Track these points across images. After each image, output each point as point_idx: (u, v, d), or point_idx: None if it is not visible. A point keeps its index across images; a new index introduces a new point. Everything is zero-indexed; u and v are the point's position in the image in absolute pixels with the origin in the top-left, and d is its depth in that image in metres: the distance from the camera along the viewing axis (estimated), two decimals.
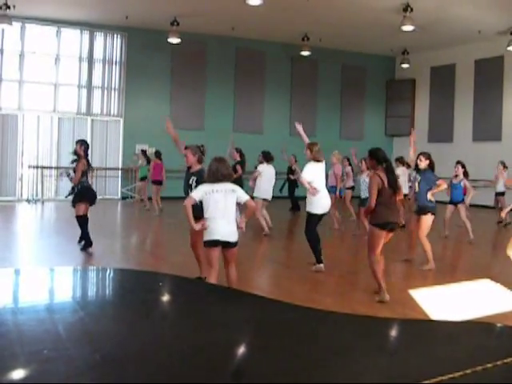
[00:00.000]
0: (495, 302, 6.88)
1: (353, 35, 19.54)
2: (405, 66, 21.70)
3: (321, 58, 21.46)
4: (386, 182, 6.56)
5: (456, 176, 11.54)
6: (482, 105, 20.02)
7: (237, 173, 10.92)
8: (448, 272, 8.77)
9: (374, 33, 18.86)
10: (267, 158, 11.81)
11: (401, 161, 13.72)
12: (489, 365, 3.81)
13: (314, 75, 21.77)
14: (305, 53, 19.69)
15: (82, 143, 9.57)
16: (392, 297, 6.82)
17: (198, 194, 5.78)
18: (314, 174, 8.14)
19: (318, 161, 8.16)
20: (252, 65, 20.59)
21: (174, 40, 17.65)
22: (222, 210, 5.72)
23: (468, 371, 3.61)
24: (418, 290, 7.09)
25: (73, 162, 9.54)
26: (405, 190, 12.32)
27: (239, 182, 11.64)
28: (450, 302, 6.81)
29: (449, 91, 21.33)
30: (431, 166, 8.81)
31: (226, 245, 5.83)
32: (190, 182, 6.97)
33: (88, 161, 9.53)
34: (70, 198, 9.69)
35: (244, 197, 5.86)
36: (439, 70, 21.71)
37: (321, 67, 21.81)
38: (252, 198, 11.68)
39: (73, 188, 9.44)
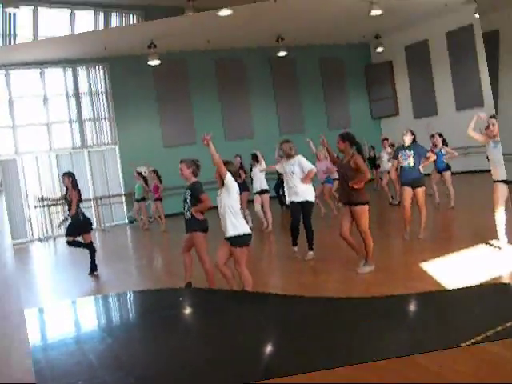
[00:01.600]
0: (505, 262, 6.86)
1: (325, 28, 19.47)
2: (379, 49, 21.69)
3: (298, 56, 21.42)
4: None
5: (435, 146, 12.00)
6: (460, 74, 19.98)
7: (240, 178, 11.04)
8: (454, 239, 8.77)
9: (345, 22, 18.75)
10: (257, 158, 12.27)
11: (388, 141, 14.16)
12: (508, 323, 3.82)
13: (293, 73, 21.75)
14: (281, 53, 19.66)
15: (70, 175, 9.65)
16: (403, 273, 6.82)
17: None
18: None
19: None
20: (233, 73, 20.54)
21: (154, 62, 17.62)
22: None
23: (488, 333, 3.61)
24: (427, 263, 7.07)
25: (66, 195, 9.62)
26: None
27: (244, 185, 11.78)
28: (460, 269, 6.79)
29: (426, 67, 21.29)
30: (414, 140, 9.20)
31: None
32: (186, 195, 6.86)
33: (79, 191, 9.60)
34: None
35: None
36: (413, 48, 21.68)
37: (299, 64, 21.77)
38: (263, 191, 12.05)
39: (72, 218, 9.50)
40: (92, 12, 16.29)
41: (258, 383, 3.59)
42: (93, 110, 18.64)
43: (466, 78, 19.76)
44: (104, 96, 18.80)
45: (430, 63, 21.15)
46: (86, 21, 16.41)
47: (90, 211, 18.45)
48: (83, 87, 18.51)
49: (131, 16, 17.10)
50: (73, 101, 18.36)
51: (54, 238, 17.21)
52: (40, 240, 17.27)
